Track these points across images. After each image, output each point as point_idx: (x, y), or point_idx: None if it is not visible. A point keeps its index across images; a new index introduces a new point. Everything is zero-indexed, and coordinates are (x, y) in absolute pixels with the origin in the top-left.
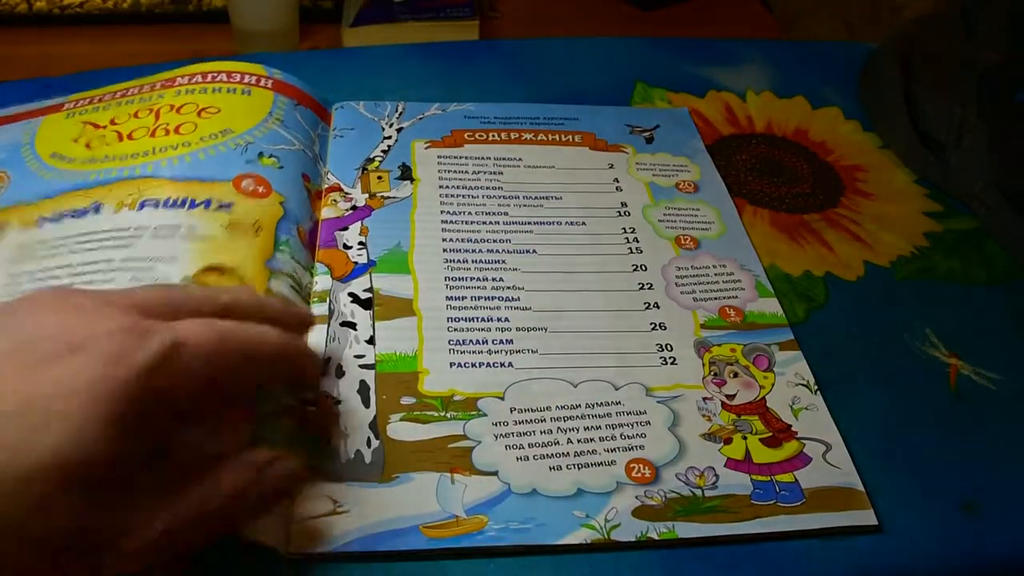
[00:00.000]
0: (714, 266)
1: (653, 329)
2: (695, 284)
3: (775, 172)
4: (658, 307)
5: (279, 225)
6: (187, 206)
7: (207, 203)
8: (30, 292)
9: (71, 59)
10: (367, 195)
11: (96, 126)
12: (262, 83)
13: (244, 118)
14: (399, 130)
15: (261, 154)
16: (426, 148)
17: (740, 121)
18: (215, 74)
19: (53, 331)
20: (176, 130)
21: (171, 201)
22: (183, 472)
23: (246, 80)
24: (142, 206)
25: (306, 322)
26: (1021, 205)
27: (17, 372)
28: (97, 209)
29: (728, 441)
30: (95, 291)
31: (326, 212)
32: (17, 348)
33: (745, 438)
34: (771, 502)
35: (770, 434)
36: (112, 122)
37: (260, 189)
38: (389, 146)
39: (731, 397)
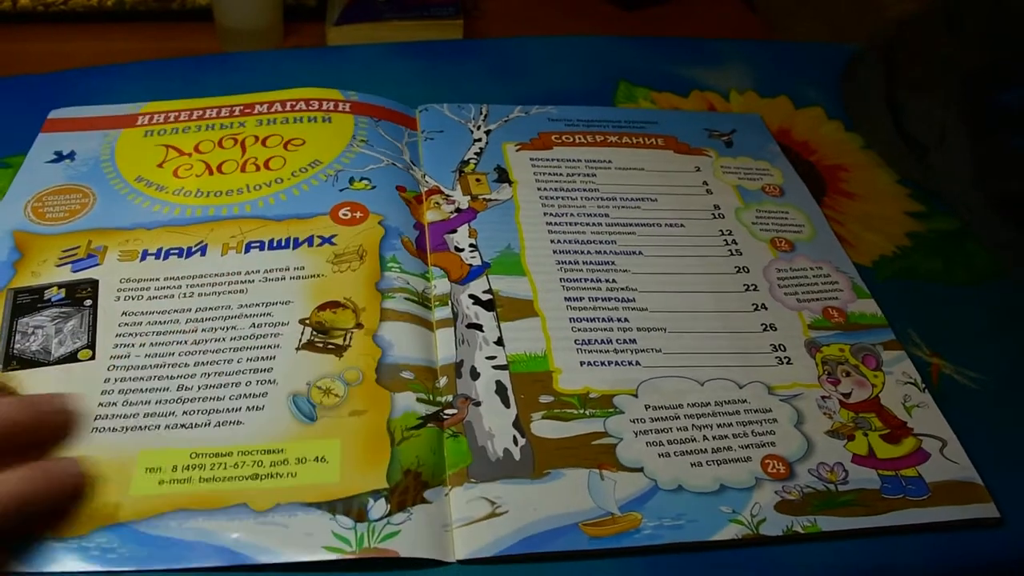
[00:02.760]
0: (811, 268)
1: (764, 330)
2: (796, 286)
3: None
4: (765, 308)
5: (382, 244)
6: (291, 245)
7: (310, 240)
8: None
9: (55, 57)
10: (469, 197)
11: (180, 152)
12: (340, 108)
13: (329, 146)
14: (487, 132)
15: (352, 179)
16: (517, 150)
17: None
18: (293, 102)
19: None
20: (266, 165)
21: (276, 242)
22: None
23: (324, 107)
24: (248, 248)
25: (65, 423)
26: (1002, 206)
27: None
28: (203, 251)
29: (851, 438)
30: None
31: (431, 215)
32: None
33: (866, 435)
34: (900, 496)
35: (888, 430)
36: (197, 149)
37: (357, 215)
38: (481, 148)
39: (847, 395)
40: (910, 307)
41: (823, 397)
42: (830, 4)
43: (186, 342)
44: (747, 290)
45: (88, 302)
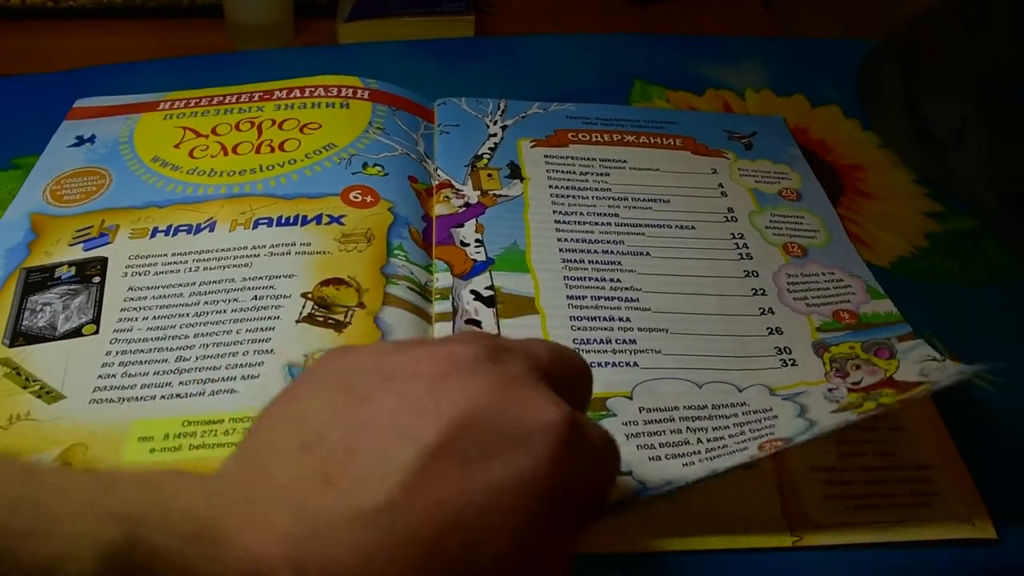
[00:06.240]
0: (823, 274)
1: (770, 333)
2: (806, 291)
3: None
4: (773, 312)
5: (390, 230)
6: (299, 223)
7: (318, 218)
8: (455, 349)
9: (66, 54)
10: (479, 192)
11: (197, 133)
12: (359, 95)
13: (345, 132)
14: (504, 127)
15: (365, 164)
16: (532, 147)
17: None
18: (312, 88)
19: (498, 416)
20: (280, 147)
21: (284, 219)
22: None
23: (343, 93)
24: (256, 225)
25: None
26: (1021, 205)
27: (455, 472)
28: (212, 227)
29: (859, 407)
30: (517, 353)
31: (439, 209)
32: (459, 438)
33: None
34: None
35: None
36: (214, 131)
37: (368, 199)
38: (496, 144)
39: (857, 383)
40: (928, 309)
41: (830, 389)
42: (843, 0)
43: (188, 315)
44: (755, 294)
45: (96, 279)
